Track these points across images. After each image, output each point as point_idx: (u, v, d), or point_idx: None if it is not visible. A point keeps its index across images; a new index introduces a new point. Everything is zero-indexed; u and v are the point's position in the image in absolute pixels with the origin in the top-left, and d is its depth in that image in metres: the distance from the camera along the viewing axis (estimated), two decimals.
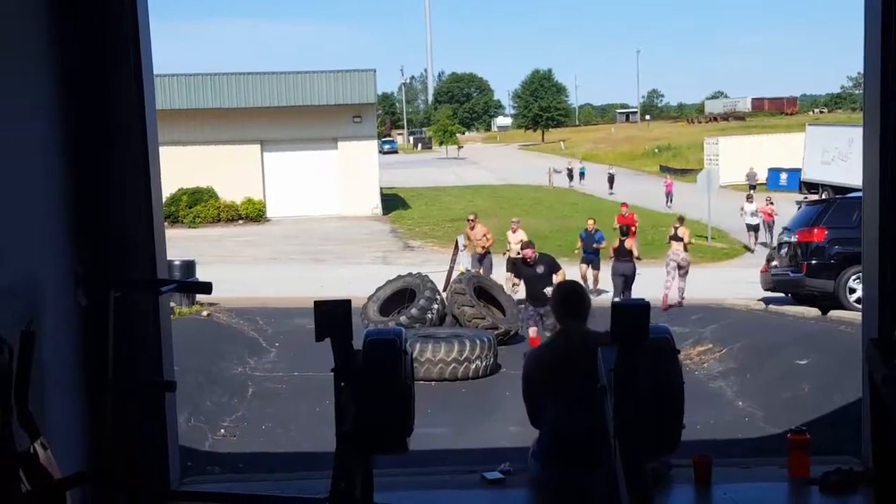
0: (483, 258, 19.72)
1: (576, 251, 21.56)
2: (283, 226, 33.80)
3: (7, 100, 3.92)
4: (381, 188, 38.78)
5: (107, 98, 4.59)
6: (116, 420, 4.24)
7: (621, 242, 17.65)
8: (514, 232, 20.49)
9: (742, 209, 29.00)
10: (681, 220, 19.57)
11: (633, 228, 20.79)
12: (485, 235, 19.93)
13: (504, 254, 20.99)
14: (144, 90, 4.68)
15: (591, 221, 21.00)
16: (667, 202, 40.21)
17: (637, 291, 17.39)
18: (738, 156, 50.43)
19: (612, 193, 47.01)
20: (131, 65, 4.62)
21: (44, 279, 4.14)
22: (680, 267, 18.23)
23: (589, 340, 4.53)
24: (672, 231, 18.83)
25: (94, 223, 4.56)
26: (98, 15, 4.56)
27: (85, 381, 4.46)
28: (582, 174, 54.93)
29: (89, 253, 4.51)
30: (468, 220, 20.66)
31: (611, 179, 49.92)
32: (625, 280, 17.56)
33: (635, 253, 17.61)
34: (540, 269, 13.43)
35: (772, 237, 26.38)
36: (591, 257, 20.47)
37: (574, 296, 4.87)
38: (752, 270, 20.16)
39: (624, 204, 24.74)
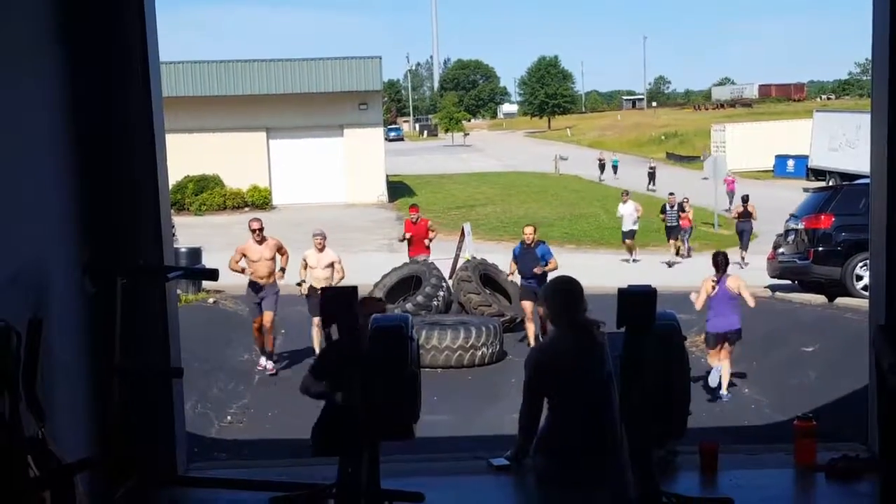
0: (264, 290, 12.12)
1: (510, 277, 14.84)
2: (289, 213, 33.72)
3: (14, 90, 3.92)
4: (386, 175, 38.71)
5: (113, 87, 4.59)
6: (123, 406, 4.25)
7: (745, 208, 22.81)
8: (320, 251, 12.49)
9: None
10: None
11: (431, 236, 16.58)
12: (279, 250, 12.28)
13: (299, 287, 12.75)
14: (151, 78, 4.68)
15: (529, 229, 14.03)
16: (730, 203, 32.47)
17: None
18: (744, 143, 50.27)
19: (653, 190, 39.82)
20: (138, 53, 4.62)
21: (51, 267, 4.14)
22: None
23: (595, 336, 4.44)
24: None
25: (101, 211, 4.57)
26: (105, 4, 4.56)
27: (92, 368, 4.47)
28: (615, 167, 47.44)
29: (96, 240, 4.52)
30: (254, 232, 12.13)
31: (651, 175, 41.91)
32: (744, 234, 22.47)
33: (753, 215, 22.73)
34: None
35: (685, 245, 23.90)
36: (534, 285, 13.05)
37: (573, 291, 4.55)
38: (758, 257, 20.09)
39: (413, 207, 17.92)
